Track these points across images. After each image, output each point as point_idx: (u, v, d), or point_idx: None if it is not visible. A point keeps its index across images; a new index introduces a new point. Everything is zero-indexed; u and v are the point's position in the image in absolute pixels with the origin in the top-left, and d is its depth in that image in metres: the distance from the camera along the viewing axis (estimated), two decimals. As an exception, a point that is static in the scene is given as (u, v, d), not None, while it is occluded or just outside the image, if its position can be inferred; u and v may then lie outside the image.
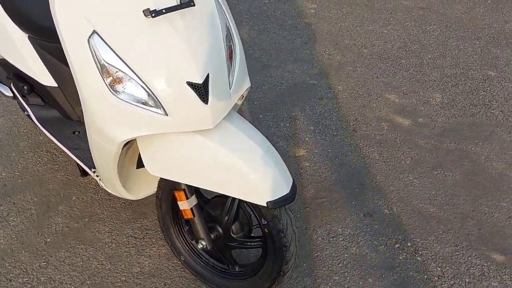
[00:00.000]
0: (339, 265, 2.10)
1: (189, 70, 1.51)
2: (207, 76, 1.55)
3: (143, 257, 2.16)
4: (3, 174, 2.61)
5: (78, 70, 1.55)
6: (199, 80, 1.52)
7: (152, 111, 1.53)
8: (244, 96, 1.87)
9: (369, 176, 2.54)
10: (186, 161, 1.62)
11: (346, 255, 2.13)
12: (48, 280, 2.06)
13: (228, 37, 1.70)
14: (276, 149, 1.73)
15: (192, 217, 1.75)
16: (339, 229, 2.25)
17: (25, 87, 2.22)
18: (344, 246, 2.17)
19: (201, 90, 1.53)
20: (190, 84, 1.51)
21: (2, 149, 2.79)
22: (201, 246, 1.80)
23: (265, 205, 1.59)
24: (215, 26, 1.63)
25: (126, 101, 1.52)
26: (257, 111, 3.03)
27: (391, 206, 2.36)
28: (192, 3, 1.53)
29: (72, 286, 2.04)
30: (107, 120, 1.57)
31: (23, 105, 2.31)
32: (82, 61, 1.52)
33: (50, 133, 2.15)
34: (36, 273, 2.10)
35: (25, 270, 2.11)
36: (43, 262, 2.15)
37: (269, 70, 3.43)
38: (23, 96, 2.27)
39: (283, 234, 1.70)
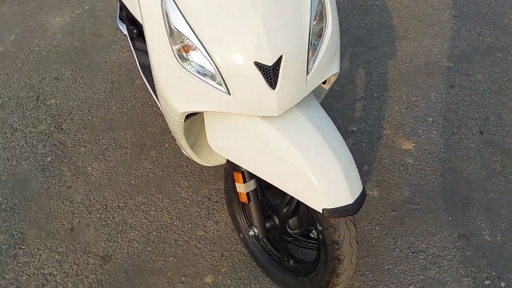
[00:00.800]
0: (410, 286, 1.85)
1: (259, 49, 1.35)
2: (280, 59, 1.37)
3: (210, 221, 2.13)
4: (113, 109, 2.74)
5: (149, 32, 1.48)
6: (269, 62, 1.35)
7: (215, 87, 1.41)
8: (332, 81, 1.65)
9: (481, 190, 2.17)
10: (246, 145, 1.50)
11: (421, 277, 1.87)
12: (121, 222, 2.15)
13: (321, 15, 1.48)
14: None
15: (248, 202, 1.65)
16: (423, 245, 1.98)
17: (134, 31, 2.24)
18: (423, 266, 1.91)
19: (270, 73, 1.37)
20: (258, 65, 1.35)
21: (120, 84, 2.93)
22: (253, 233, 1.70)
23: (320, 211, 1.41)
24: (303, 3, 1.42)
25: (191, 72, 1.42)
26: (373, 89, 2.75)
27: (495, 232, 2.00)
28: (275, -25, 1.34)
29: (139, 233, 2.10)
30: (171, 89, 1.49)
31: (131, 47, 2.34)
32: (153, 23, 1.44)
33: (146, 81, 2.16)
34: (113, 212, 2.19)
35: (105, 207, 2.22)
36: (122, 203, 2.23)
37: (402, 42, 3.06)
38: (131, 39, 2.30)
39: (337, 246, 1.51)
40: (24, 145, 2.55)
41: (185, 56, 1.41)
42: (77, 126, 2.65)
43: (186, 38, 1.39)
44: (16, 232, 2.13)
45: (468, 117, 2.53)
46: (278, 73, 1.38)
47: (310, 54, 1.44)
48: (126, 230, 2.12)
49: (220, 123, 1.55)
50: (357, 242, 1.56)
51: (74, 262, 2.01)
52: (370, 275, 1.89)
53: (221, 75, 1.38)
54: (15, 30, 3.47)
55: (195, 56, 1.40)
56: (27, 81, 2.98)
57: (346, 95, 2.73)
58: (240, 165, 1.55)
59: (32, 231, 2.13)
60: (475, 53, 2.94)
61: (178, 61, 1.42)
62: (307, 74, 1.45)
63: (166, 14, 1.40)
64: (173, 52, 1.42)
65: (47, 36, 3.38)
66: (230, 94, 1.41)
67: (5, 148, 2.53)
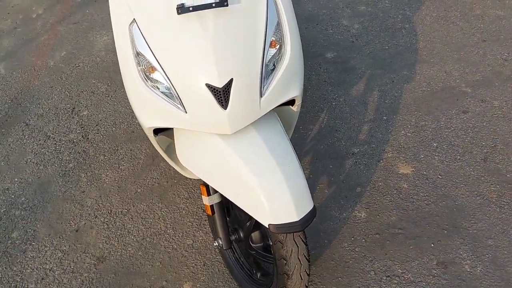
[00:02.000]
0: (376, 310, 1.86)
1: (209, 72, 1.46)
2: (231, 81, 1.48)
3: (200, 232, 2.25)
4: (136, 122, 2.96)
5: (120, 53, 1.64)
6: (219, 84, 1.46)
7: (174, 105, 1.54)
8: (297, 103, 1.73)
9: (471, 219, 2.12)
10: (206, 160, 1.61)
11: (390, 301, 1.88)
12: (121, 226, 2.33)
13: (279, 41, 1.58)
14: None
15: (211, 214, 1.75)
16: (399, 270, 1.97)
17: None
18: (394, 291, 1.91)
19: (220, 95, 1.48)
20: (209, 86, 1.47)
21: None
22: (217, 244, 1.80)
23: (267, 226, 1.49)
24: (255, 28, 1.53)
25: (154, 91, 1.56)
26: (383, 112, 2.76)
27: (476, 263, 1.95)
28: (225, 3, 1.45)
29: (134, 238, 2.26)
30: (138, 106, 1.64)
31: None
32: (123, 45, 1.60)
33: None
34: (116, 217, 2.38)
35: (109, 212, 2.42)
36: (125, 209, 2.42)
37: (423, 66, 3.04)
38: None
39: (285, 262, 1.58)
40: (53, 152, 2.81)
41: (150, 76, 1.56)
42: (101, 136, 2.88)
43: (148, 61, 1.53)
44: (30, 229, 2.37)
45: (474, 144, 2.48)
46: (229, 94, 1.48)
47: (263, 78, 1.54)
48: (124, 235, 2.29)
49: (186, 139, 1.67)
50: (307, 259, 1.61)
51: (73, 260, 2.20)
52: (339, 294, 1.92)
53: (178, 94, 1.51)
54: (66, 47, 3.82)
55: (158, 77, 1.54)
56: (67, 93, 3.28)
57: (355, 116, 2.76)
58: (203, 179, 1.66)
59: (44, 229, 2.36)
60: (496, 79, 2.86)
61: (143, 80, 1.57)
62: (261, 97, 1.54)
63: (132, 38, 1.56)
64: (138, 73, 1.57)
65: (93, 53, 3.69)
66: (186, 113, 1.53)
67: (36, 154, 2.81)
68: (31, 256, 2.24)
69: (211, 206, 1.75)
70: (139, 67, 1.57)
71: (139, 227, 2.31)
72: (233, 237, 1.81)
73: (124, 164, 2.67)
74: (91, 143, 2.84)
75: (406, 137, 2.58)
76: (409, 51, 3.20)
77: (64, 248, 2.26)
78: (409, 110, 2.75)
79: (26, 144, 2.88)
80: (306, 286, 1.66)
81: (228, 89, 1.48)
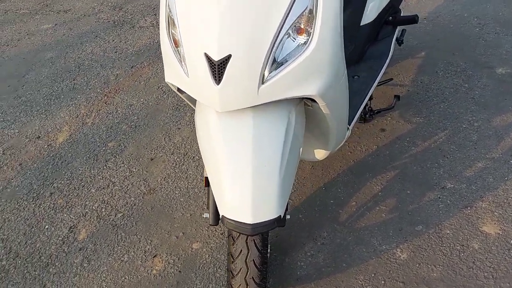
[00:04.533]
0: None
1: (210, 42, 1.40)
2: (229, 57, 1.39)
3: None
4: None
5: (160, 19, 1.66)
6: (215, 57, 1.40)
7: (181, 68, 1.53)
8: (322, 105, 1.53)
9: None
10: (201, 129, 1.58)
11: None
12: (184, 170, 2.45)
13: (308, 28, 1.41)
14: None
15: (205, 186, 1.71)
16: None
17: None
18: None
19: (215, 69, 1.41)
20: (207, 57, 1.41)
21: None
22: (205, 216, 1.77)
23: (221, 216, 1.43)
24: (276, 10, 1.38)
25: (172, 49, 1.57)
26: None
27: None
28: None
29: (187, 185, 2.36)
30: (163, 58, 1.66)
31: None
32: (161, 13, 1.62)
33: None
34: (186, 161, 2.50)
35: (184, 154, 2.55)
36: (197, 157, 2.52)
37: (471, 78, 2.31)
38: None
39: (232, 259, 1.48)
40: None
41: (172, 33, 1.56)
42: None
43: (173, 20, 1.54)
44: (122, 145, 2.67)
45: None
46: (224, 71, 1.40)
47: (268, 64, 1.40)
48: (181, 178, 2.40)
49: (200, 109, 1.65)
50: (257, 267, 1.48)
51: (133, 183, 2.42)
52: None
53: (184, 57, 1.49)
54: None
55: (177, 37, 1.54)
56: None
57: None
58: (199, 146, 1.63)
59: (131, 148, 2.64)
60: None
61: (168, 36, 1.58)
62: (262, 84, 1.41)
63: (168, 5, 1.57)
64: (166, 29, 1.58)
65: None
66: (188, 77, 1.50)
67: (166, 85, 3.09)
68: (108, 166, 2.54)
69: (206, 178, 1.71)
70: (167, 24, 1.58)
71: (197, 177, 2.39)
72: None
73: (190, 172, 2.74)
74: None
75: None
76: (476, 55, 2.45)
77: (134, 170, 2.49)
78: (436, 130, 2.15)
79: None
80: (254, 294, 1.53)
81: (225, 65, 1.39)
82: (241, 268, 1.48)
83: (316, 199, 2.19)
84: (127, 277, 1.96)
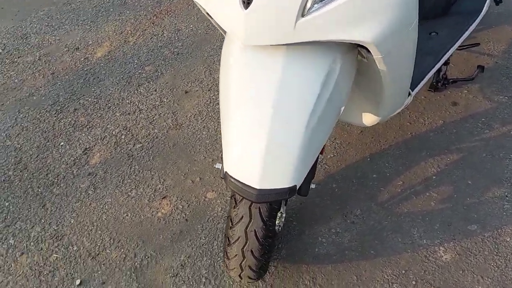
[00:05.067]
0: None
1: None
2: None
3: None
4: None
5: None
6: None
7: None
8: (376, 57, 1.19)
9: None
10: (222, 63, 1.31)
11: None
12: (216, 110, 2.19)
13: None
14: None
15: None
16: None
17: None
18: None
19: None
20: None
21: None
22: (216, 167, 1.51)
23: (224, 172, 1.17)
24: None
25: None
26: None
27: None
28: None
29: (216, 126, 2.11)
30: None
31: None
32: None
33: None
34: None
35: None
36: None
37: None
38: None
39: (230, 225, 1.23)
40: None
41: None
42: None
43: None
44: (159, 71, 2.44)
45: None
46: None
47: None
48: (212, 119, 2.15)
49: (228, 40, 1.36)
50: (258, 240, 1.21)
51: (177, 118, 2.19)
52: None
53: None
54: None
55: None
56: None
57: None
58: (219, 85, 1.36)
59: (167, 76, 2.40)
60: None
61: None
62: (302, 17, 1.10)
63: None
64: None
65: None
66: (214, -3, 1.21)
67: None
68: (139, 91, 2.32)
69: (226, 122, 1.44)
70: None
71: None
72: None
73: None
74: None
75: None
76: None
77: (165, 100, 2.26)
78: None
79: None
80: (252, 269, 1.28)
81: None
82: (239, 237, 1.22)
83: (358, 170, 1.88)
84: (129, 215, 1.77)
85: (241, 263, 1.26)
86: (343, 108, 1.29)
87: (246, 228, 1.20)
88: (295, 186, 1.12)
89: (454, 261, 1.56)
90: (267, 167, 1.11)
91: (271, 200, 1.11)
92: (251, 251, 1.22)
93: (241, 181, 1.12)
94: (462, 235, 1.63)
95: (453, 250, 1.59)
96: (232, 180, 1.13)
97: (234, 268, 1.29)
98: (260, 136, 1.11)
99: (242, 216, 1.20)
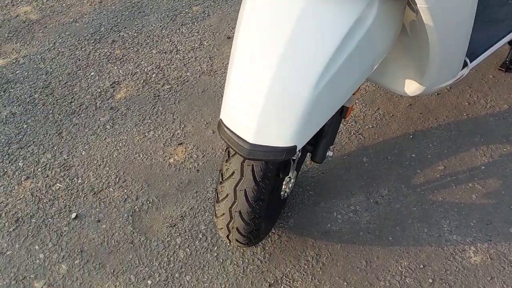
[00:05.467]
0: None
1: None
2: None
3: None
4: None
5: None
6: None
7: None
8: (422, 13, 0.98)
9: None
10: None
11: None
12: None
13: None
14: None
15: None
16: None
17: None
18: None
19: None
20: None
21: None
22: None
23: (219, 118, 1.03)
24: None
25: None
26: None
27: None
28: None
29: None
30: None
31: None
32: None
33: None
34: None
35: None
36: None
37: None
38: None
39: (221, 179, 1.09)
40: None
41: None
42: None
43: None
44: (206, 12, 2.29)
45: None
46: None
47: None
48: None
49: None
50: (249, 203, 1.07)
51: (213, 64, 2.06)
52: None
53: None
54: None
55: None
56: None
57: None
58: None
59: (214, 19, 2.25)
60: None
61: None
62: None
63: None
64: None
65: None
66: None
67: None
68: (181, 31, 2.20)
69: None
70: None
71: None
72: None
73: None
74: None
75: None
76: None
77: (205, 43, 2.13)
78: None
79: None
80: (240, 232, 1.14)
81: None
82: (227, 195, 1.08)
83: (395, 146, 1.67)
84: (140, 156, 1.68)
85: (228, 224, 1.13)
86: (375, 66, 1.09)
87: (236, 186, 1.06)
88: (295, 147, 0.96)
89: (484, 265, 1.34)
90: (264, 120, 0.95)
91: (265, 159, 0.95)
92: (240, 212, 1.08)
93: (235, 132, 0.97)
94: (501, 237, 1.40)
95: (486, 252, 1.37)
96: (226, 129, 0.99)
97: (222, 228, 1.16)
98: (262, 84, 0.95)
99: (233, 172, 1.05)
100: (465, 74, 1.34)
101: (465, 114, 1.76)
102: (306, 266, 1.36)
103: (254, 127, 0.95)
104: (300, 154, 1.23)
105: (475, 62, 1.35)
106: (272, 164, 1.05)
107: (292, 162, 1.23)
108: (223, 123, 1.00)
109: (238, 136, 0.97)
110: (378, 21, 1.01)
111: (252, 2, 1.04)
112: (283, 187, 1.26)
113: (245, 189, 1.05)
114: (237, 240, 1.18)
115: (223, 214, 1.11)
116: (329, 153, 1.26)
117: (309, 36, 0.96)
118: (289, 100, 0.94)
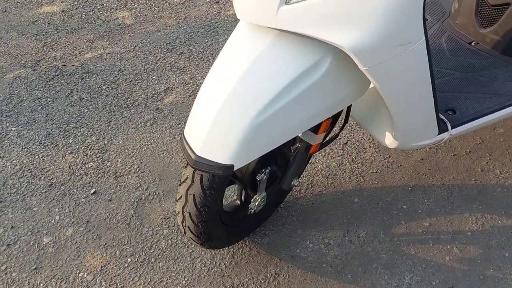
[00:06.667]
0: None
1: None
2: None
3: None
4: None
5: None
6: None
7: None
8: (358, 63, 1.10)
9: None
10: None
11: None
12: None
13: None
14: None
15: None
16: None
17: None
18: None
19: None
20: None
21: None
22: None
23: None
24: None
25: None
26: None
27: None
28: None
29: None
30: None
31: None
32: None
33: None
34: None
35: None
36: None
37: None
38: None
39: (180, 181, 1.28)
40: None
41: None
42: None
43: None
44: None
45: None
46: None
47: None
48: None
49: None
50: (196, 207, 1.25)
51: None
52: None
53: None
54: None
55: None
56: None
57: None
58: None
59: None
60: None
61: None
62: (285, 4, 1.07)
63: None
64: None
65: None
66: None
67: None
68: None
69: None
70: None
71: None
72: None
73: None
74: None
75: None
76: None
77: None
78: None
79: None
80: (192, 232, 1.32)
81: None
82: (181, 196, 1.27)
83: (390, 194, 1.73)
84: (164, 153, 1.92)
85: (182, 222, 1.31)
86: (319, 119, 1.21)
87: (188, 189, 1.24)
88: (232, 166, 1.12)
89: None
90: (211, 138, 1.12)
91: (205, 171, 1.13)
92: (189, 213, 1.26)
93: (189, 143, 1.16)
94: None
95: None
96: (183, 140, 1.18)
97: (180, 224, 1.35)
98: (215, 106, 1.13)
99: (187, 178, 1.24)
100: (445, 138, 1.39)
101: (473, 180, 1.76)
102: (262, 281, 1.49)
103: (201, 142, 1.13)
104: (266, 177, 1.37)
105: (459, 129, 1.39)
106: (219, 177, 1.21)
107: (258, 183, 1.38)
108: (183, 134, 1.20)
109: (190, 147, 1.15)
110: (326, 78, 1.14)
111: (232, 37, 1.24)
112: (250, 204, 1.42)
113: (193, 194, 1.23)
114: (191, 239, 1.36)
115: (179, 213, 1.30)
116: (295, 182, 1.39)
117: (262, 73, 1.13)
118: (232, 124, 1.11)
